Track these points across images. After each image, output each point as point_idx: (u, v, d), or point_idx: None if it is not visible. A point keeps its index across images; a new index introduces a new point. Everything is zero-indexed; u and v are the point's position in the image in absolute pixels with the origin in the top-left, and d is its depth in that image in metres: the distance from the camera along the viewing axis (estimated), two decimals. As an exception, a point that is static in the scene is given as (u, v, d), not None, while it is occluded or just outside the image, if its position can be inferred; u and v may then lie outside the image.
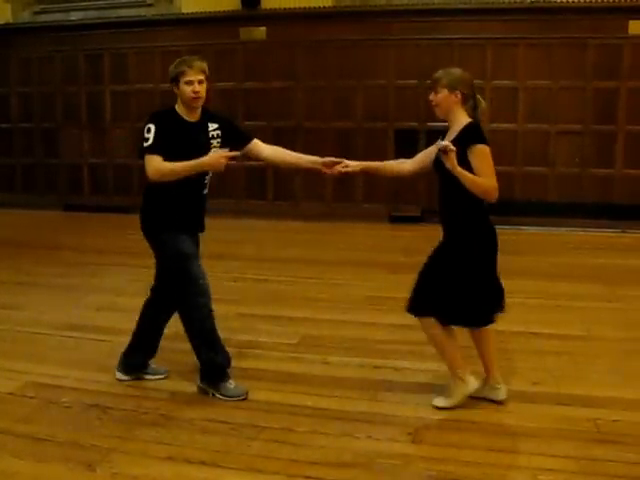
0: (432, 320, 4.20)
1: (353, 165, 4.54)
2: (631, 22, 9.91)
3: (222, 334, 5.52)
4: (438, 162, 4.11)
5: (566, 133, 10.34)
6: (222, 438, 3.85)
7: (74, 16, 12.17)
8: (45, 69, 12.39)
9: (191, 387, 4.57)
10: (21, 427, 3.98)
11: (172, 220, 4.42)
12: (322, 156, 4.61)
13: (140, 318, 4.75)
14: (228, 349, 5.14)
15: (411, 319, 5.80)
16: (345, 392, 4.48)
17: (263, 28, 11.23)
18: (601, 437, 3.83)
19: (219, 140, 4.45)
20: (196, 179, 4.35)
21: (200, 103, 4.36)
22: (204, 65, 4.35)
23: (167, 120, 4.37)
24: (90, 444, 3.76)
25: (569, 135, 10.34)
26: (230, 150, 4.41)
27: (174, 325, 5.19)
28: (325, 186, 11.05)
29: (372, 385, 4.59)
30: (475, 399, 4.31)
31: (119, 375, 4.69)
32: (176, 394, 4.45)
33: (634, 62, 10.02)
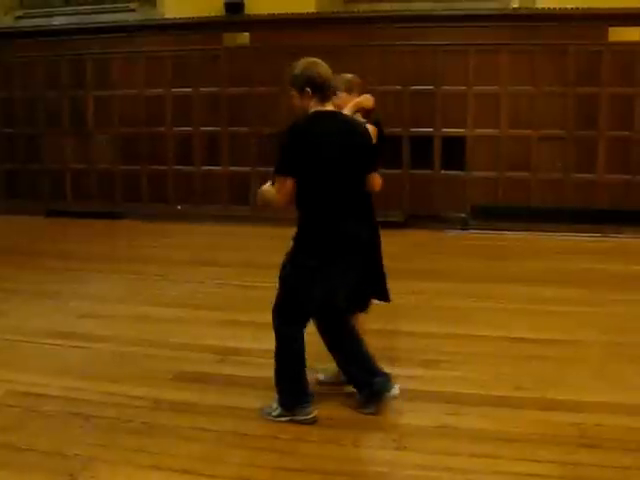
0: None
1: None
2: (611, 29, 9.99)
3: (207, 340, 5.55)
4: None
5: (548, 139, 10.39)
6: (206, 446, 3.84)
7: (56, 21, 12.12)
8: (27, 74, 12.32)
9: (174, 395, 4.55)
10: (2, 436, 3.94)
11: None
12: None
13: None
14: (211, 355, 5.16)
15: (396, 325, 5.86)
16: (329, 399, 4.47)
17: (246, 34, 11.23)
18: (585, 442, 3.84)
19: None
20: None
21: None
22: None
23: None
24: (72, 453, 3.73)
25: (551, 141, 10.39)
26: None
27: (154, 332, 5.20)
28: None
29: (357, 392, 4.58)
30: (460, 403, 4.33)
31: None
32: (159, 402, 4.42)
33: (614, 68, 10.09)
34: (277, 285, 4.20)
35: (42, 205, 12.25)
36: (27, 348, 5.48)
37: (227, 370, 4.99)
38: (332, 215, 4.03)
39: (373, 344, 5.44)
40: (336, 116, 4.09)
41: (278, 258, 4.10)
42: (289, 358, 4.22)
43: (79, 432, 4.01)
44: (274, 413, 4.18)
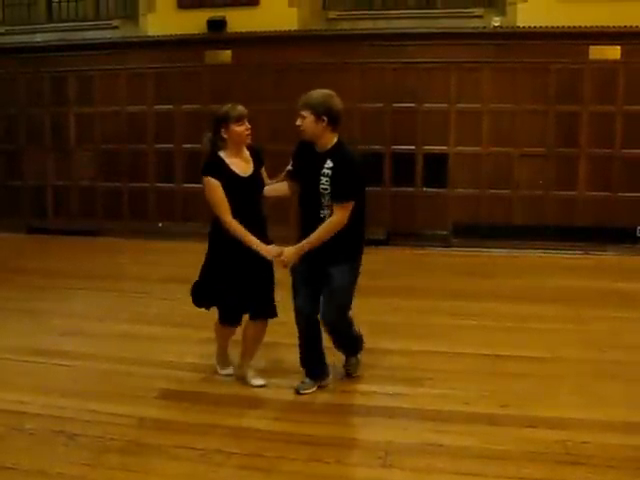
0: None
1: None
2: (592, 47, 10.08)
3: (190, 358, 5.54)
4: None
5: (529, 156, 10.46)
6: (191, 464, 3.82)
7: (39, 38, 12.07)
8: (9, 90, 12.26)
9: (158, 413, 4.53)
10: (-16, 455, 3.91)
11: None
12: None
13: None
14: (195, 373, 5.14)
15: (379, 343, 5.84)
16: (314, 417, 4.47)
17: (229, 51, 11.25)
18: (570, 459, 3.86)
19: None
20: None
21: None
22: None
23: None
24: (56, 472, 3.71)
25: (532, 158, 10.46)
26: None
27: (137, 350, 5.17)
28: (289, 209, 11.05)
29: (341, 409, 4.59)
30: (444, 421, 4.34)
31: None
32: (144, 420, 4.40)
33: (595, 86, 10.17)
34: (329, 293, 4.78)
35: (23, 222, 12.16)
36: (9, 366, 5.44)
37: (210, 388, 4.98)
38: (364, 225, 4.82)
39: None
40: None
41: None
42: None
43: (63, 451, 3.98)
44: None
